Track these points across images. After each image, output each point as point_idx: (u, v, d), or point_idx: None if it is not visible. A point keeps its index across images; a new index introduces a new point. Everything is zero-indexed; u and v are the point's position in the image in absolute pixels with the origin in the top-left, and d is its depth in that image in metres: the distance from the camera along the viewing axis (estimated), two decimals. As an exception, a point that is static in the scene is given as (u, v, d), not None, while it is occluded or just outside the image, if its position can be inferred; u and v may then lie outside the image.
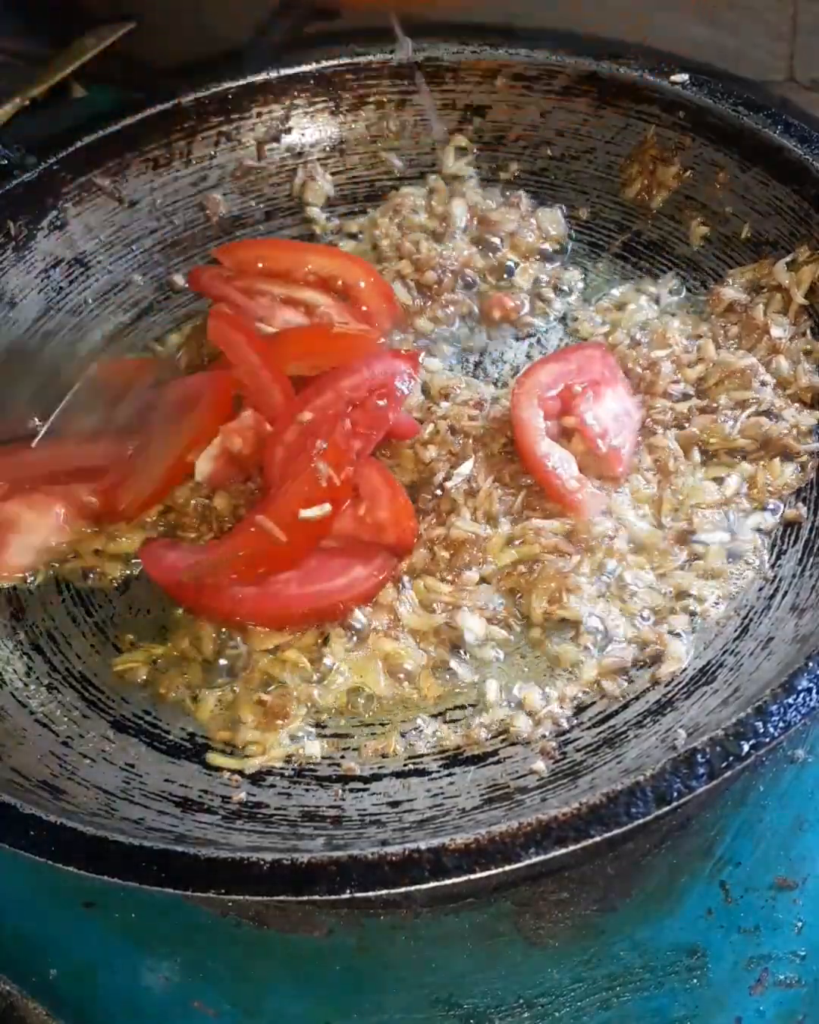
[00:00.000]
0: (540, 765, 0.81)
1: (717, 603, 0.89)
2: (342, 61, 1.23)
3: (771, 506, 0.93)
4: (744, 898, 0.82)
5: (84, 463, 1.02)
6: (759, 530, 0.92)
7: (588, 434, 0.95)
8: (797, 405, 0.97)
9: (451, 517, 0.94)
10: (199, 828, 0.80)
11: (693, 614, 0.88)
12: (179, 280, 1.20)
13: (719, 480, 0.95)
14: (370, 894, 0.69)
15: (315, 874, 0.70)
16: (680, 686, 0.85)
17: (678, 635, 0.87)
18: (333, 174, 1.25)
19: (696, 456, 0.96)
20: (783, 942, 0.80)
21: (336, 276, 1.12)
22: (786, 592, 0.88)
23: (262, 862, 0.71)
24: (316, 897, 0.69)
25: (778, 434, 0.95)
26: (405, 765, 0.85)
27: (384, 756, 0.85)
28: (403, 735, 0.86)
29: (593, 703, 0.86)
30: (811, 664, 0.76)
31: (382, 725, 0.87)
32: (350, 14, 1.39)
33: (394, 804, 0.82)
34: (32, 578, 0.99)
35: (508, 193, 1.20)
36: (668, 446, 0.96)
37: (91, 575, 0.98)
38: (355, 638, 0.89)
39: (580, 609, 0.88)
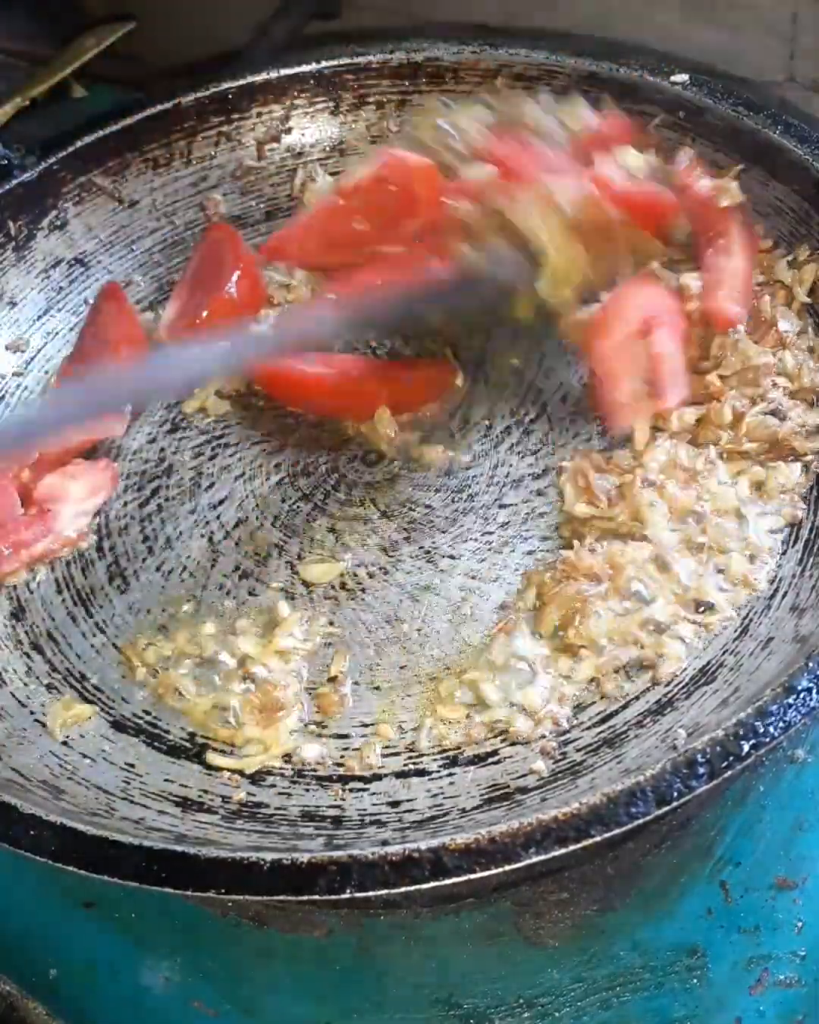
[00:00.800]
0: (540, 765, 0.81)
1: (723, 607, 0.89)
2: (342, 61, 1.23)
3: (782, 508, 0.93)
4: (744, 898, 0.82)
5: (95, 436, 1.06)
6: (770, 532, 0.92)
7: (659, 356, 0.95)
8: (802, 404, 0.97)
9: None
10: (199, 828, 0.80)
11: (699, 623, 0.88)
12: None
13: (732, 483, 0.94)
14: (370, 894, 0.69)
15: (315, 874, 0.70)
16: (680, 686, 0.85)
17: (679, 638, 0.87)
18: (333, 174, 1.24)
19: (712, 454, 0.95)
20: (783, 942, 0.80)
21: None
22: (786, 592, 0.88)
23: (262, 862, 0.71)
24: (316, 897, 0.69)
25: (785, 434, 0.94)
26: (405, 765, 0.85)
27: (384, 755, 0.85)
28: (402, 734, 0.86)
29: (593, 703, 0.86)
30: (811, 664, 0.76)
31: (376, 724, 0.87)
32: (350, 14, 1.39)
33: (394, 804, 0.82)
34: (31, 576, 0.99)
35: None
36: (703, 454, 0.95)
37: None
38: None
39: (590, 634, 0.87)
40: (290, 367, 1.05)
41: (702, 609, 0.88)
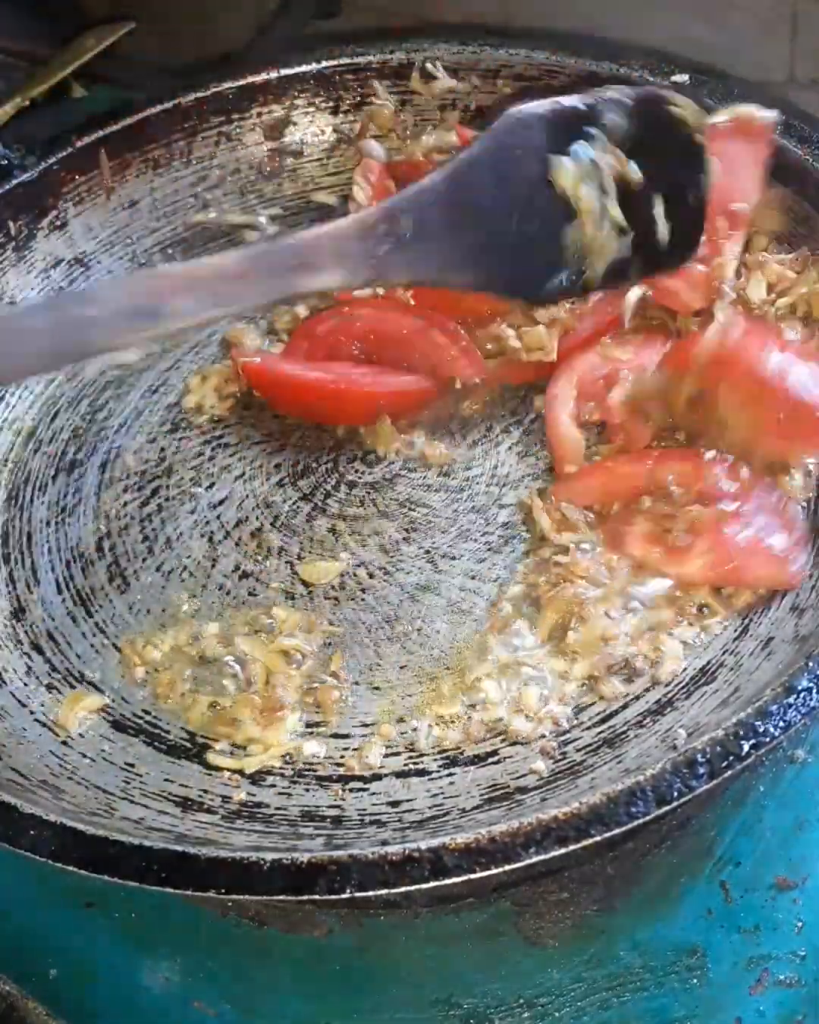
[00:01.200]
0: (540, 765, 0.81)
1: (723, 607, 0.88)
2: (342, 61, 1.23)
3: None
4: (744, 898, 0.82)
5: None
6: None
7: (608, 415, 0.98)
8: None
9: None
10: (199, 828, 0.80)
11: (699, 624, 0.88)
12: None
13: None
14: (370, 894, 0.69)
15: (315, 874, 0.70)
16: (680, 686, 0.85)
17: (679, 638, 0.87)
18: (333, 174, 1.24)
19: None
20: (783, 942, 0.80)
21: None
22: (786, 592, 0.88)
23: (262, 862, 0.71)
24: (316, 897, 0.69)
25: None
26: (405, 765, 0.85)
27: (384, 755, 0.85)
28: (403, 734, 0.86)
29: (593, 703, 0.86)
30: (811, 664, 0.76)
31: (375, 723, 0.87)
32: (350, 14, 1.39)
33: (394, 804, 0.82)
34: (34, 581, 0.99)
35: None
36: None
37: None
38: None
39: (588, 637, 0.87)
40: (287, 372, 1.04)
41: (702, 609, 0.88)
